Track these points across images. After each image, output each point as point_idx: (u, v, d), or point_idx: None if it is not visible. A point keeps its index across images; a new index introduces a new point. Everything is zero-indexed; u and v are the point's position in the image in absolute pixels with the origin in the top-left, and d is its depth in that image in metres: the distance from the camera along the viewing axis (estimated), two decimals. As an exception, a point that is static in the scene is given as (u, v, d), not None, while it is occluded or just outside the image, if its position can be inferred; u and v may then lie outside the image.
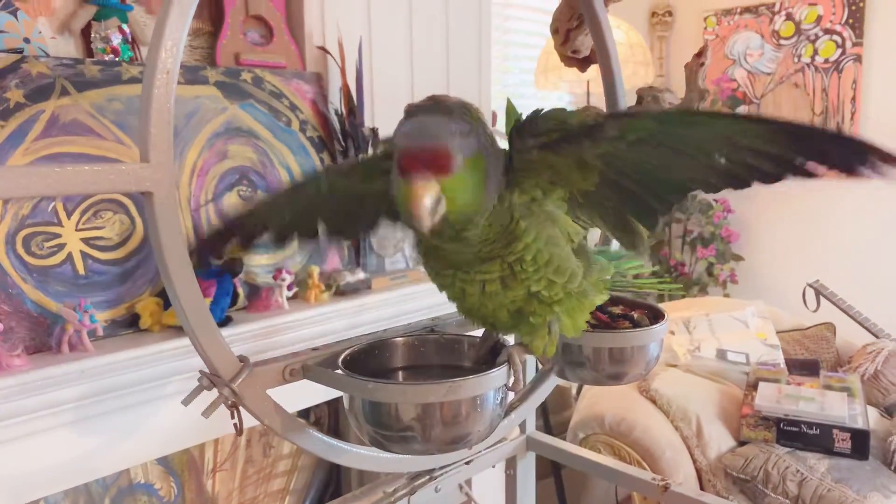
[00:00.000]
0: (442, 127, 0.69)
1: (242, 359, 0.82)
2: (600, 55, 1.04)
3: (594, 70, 2.87)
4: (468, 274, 0.79)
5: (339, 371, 0.79)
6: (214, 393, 0.81)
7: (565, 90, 3.04)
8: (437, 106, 0.72)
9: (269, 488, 2.12)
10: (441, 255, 0.79)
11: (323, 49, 1.85)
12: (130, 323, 1.44)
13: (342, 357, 0.83)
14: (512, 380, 0.78)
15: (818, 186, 3.42)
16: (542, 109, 0.77)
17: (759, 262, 3.60)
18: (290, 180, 1.74)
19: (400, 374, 0.88)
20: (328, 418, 2.30)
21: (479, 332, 0.90)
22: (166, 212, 0.72)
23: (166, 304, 1.46)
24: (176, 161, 1.54)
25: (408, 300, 1.86)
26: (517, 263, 0.76)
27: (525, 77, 3.10)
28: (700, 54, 0.97)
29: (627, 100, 1.14)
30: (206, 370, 0.81)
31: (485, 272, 0.78)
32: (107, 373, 1.33)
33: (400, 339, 0.90)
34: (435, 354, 0.89)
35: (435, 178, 0.68)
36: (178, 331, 1.43)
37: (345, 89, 1.81)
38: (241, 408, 0.82)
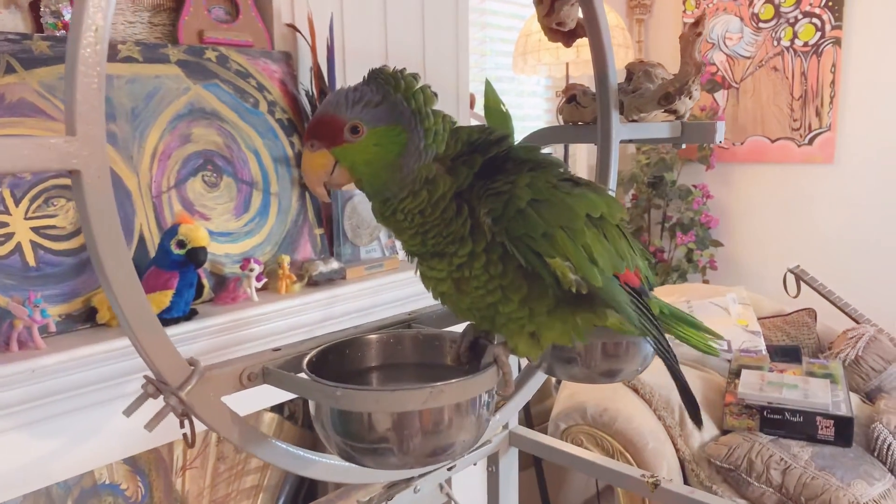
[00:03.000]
0: (342, 97, 0.68)
1: (192, 362, 0.75)
2: (590, 28, 0.97)
3: (573, 52, 2.81)
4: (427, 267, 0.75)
5: (304, 375, 0.70)
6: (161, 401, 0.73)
7: (544, 74, 2.97)
8: (367, 77, 0.71)
9: (242, 485, 2.04)
10: (403, 241, 0.75)
11: (292, 27, 1.76)
12: (87, 318, 1.34)
13: (308, 358, 0.75)
14: (501, 383, 0.71)
15: (798, 172, 3.41)
16: (512, 150, 0.73)
17: (738, 248, 3.58)
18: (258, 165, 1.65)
19: (374, 375, 0.80)
20: (303, 413, 2.23)
21: (461, 328, 0.82)
22: (97, 194, 0.61)
23: (126, 297, 1.37)
24: (135, 144, 1.45)
25: (384, 290, 1.79)
26: (466, 268, 0.70)
27: (502, 60, 3.03)
28: (697, 23, 0.90)
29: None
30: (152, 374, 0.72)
31: (434, 269, 0.73)
32: (60, 371, 1.24)
33: (374, 335, 0.82)
34: (412, 352, 0.80)
35: (325, 147, 0.68)
36: (139, 325, 1.34)
37: (315, 69, 1.72)
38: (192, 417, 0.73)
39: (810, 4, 3.27)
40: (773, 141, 3.45)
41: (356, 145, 0.67)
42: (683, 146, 1.12)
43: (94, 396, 1.30)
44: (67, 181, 1.34)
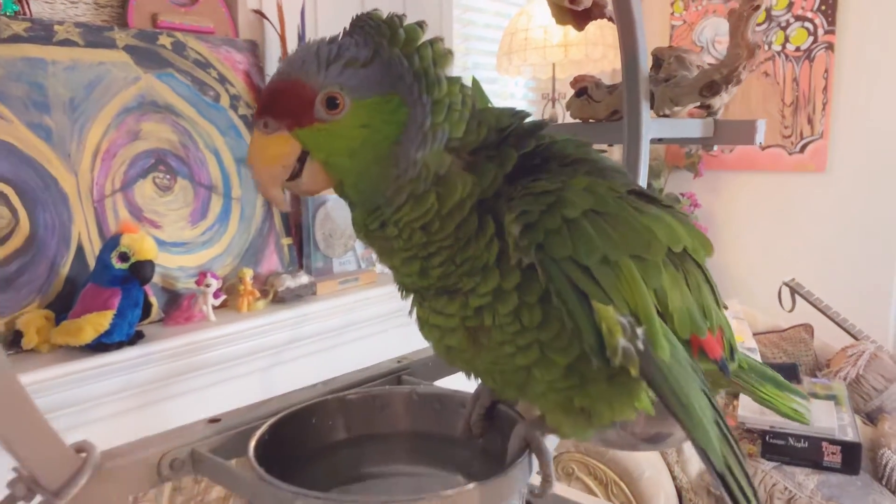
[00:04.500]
0: (310, 53, 0.48)
1: (83, 448, 0.52)
2: (619, 8, 0.80)
3: (561, 52, 2.66)
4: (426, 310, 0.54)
5: (251, 460, 0.48)
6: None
7: (529, 75, 2.81)
8: (350, 26, 0.51)
9: (200, 521, 1.83)
10: (394, 268, 0.54)
11: (259, 13, 1.58)
12: (12, 342, 1.15)
13: (257, 437, 0.53)
14: (537, 479, 0.50)
15: (789, 181, 3.30)
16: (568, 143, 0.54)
17: (728, 259, 3.45)
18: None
19: (350, 457, 0.58)
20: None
21: (472, 383, 0.59)
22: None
23: (59, 318, 1.17)
24: (74, 140, 1.25)
25: (360, 308, 1.61)
26: (488, 313, 0.49)
27: (484, 59, 2.86)
28: (754, -5, 0.74)
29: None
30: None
31: (439, 313, 0.52)
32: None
33: (352, 395, 0.59)
34: (405, 418, 0.59)
35: (286, 129, 0.48)
36: (73, 352, 1.15)
37: (284, 59, 1.54)
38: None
39: (802, 8, 3.16)
40: (763, 148, 3.33)
41: (334, 126, 0.47)
42: (715, 148, 0.97)
43: (17, 436, 1.10)
44: (-11, 182, 1.15)
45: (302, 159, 0.49)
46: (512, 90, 3.15)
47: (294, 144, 0.48)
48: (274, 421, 0.53)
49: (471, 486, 0.43)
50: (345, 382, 0.61)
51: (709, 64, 0.87)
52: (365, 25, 0.49)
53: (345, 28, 0.51)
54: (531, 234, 0.46)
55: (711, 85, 0.81)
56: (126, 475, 0.51)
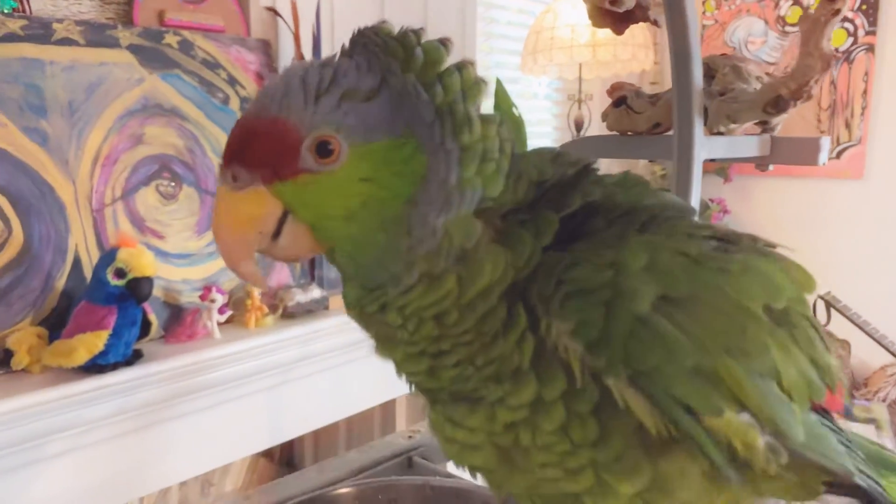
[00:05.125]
0: (296, 79, 0.36)
1: None
2: (671, 10, 0.69)
3: (589, 52, 2.56)
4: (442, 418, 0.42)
5: None
6: None
7: (554, 75, 2.71)
8: (350, 44, 0.40)
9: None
10: (393, 360, 0.42)
11: (272, 10, 1.49)
12: (1, 361, 1.07)
13: None
14: None
15: (825, 188, 3.17)
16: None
17: (757, 269, 3.34)
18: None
19: None
20: (280, 449, 1.97)
21: None
22: None
23: (52, 337, 1.10)
24: (72, 145, 1.18)
25: (374, 322, 1.52)
26: (523, 429, 0.39)
27: (506, 58, 2.76)
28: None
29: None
30: None
31: (458, 425, 0.41)
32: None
33: (350, 488, 0.47)
34: None
35: (264, 183, 0.36)
36: (66, 373, 1.07)
37: (298, 60, 1.45)
38: None
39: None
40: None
41: (326, 179, 0.36)
42: (771, 168, 0.87)
43: (5, 462, 1.03)
44: (-21, 191, 1.07)
45: (282, 218, 0.38)
46: (535, 90, 3.05)
47: (273, 203, 0.37)
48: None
49: None
50: (343, 469, 0.51)
51: (767, 74, 0.77)
52: (369, 43, 0.38)
53: (343, 46, 0.39)
54: (600, 352, 0.35)
55: (777, 101, 0.70)
56: None
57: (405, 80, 0.37)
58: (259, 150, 0.36)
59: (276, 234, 0.38)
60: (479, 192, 0.38)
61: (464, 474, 0.45)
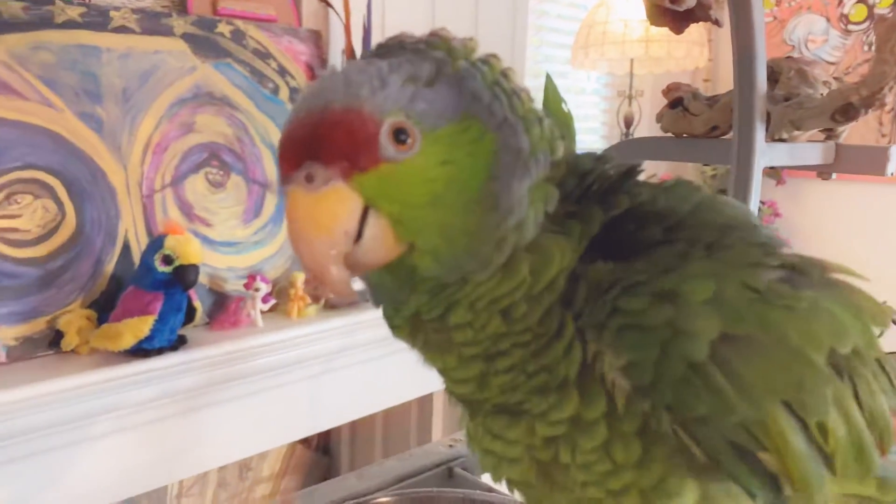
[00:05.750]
0: (360, 73, 0.35)
1: None
2: (736, 10, 0.66)
3: (641, 47, 2.50)
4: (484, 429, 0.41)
5: None
6: None
7: (605, 70, 2.66)
8: (384, 46, 0.39)
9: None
10: (444, 370, 0.41)
11: (324, 1, 1.49)
12: (51, 342, 1.10)
13: None
14: None
15: (884, 193, 3.06)
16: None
17: (808, 274, 3.24)
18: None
19: None
20: (318, 437, 1.98)
21: None
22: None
23: (101, 319, 1.12)
24: (125, 132, 1.20)
25: (415, 316, 1.52)
26: (564, 445, 0.38)
27: (554, 52, 2.73)
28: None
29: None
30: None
31: (497, 437, 0.40)
32: (13, 412, 1.00)
33: (392, 497, 0.46)
34: None
35: (343, 178, 0.34)
36: (113, 356, 1.09)
37: (348, 51, 1.45)
38: None
39: (909, 5, 2.90)
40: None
41: (407, 167, 0.34)
42: (834, 176, 0.83)
43: (51, 440, 1.06)
44: (35, 174, 1.10)
45: (363, 216, 0.36)
46: (583, 85, 3.00)
47: (355, 199, 0.35)
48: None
49: None
50: (383, 477, 0.51)
51: (835, 79, 0.74)
52: (405, 43, 0.38)
53: (372, 49, 0.39)
54: (652, 396, 0.34)
55: (847, 109, 0.67)
56: None
57: (457, 66, 0.36)
58: (336, 144, 0.34)
59: (358, 233, 0.36)
60: (548, 155, 0.38)
61: (504, 489, 0.44)
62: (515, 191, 0.36)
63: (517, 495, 0.43)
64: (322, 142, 0.34)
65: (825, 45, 3.16)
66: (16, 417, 1.00)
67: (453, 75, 0.36)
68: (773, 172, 3.21)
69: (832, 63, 3.14)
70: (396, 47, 0.38)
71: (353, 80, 0.35)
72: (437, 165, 0.35)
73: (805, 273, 0.39)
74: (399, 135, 0.34)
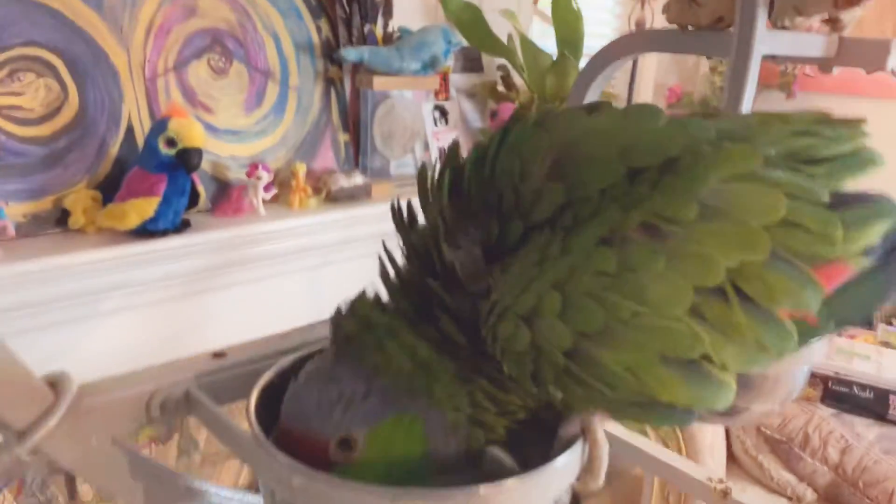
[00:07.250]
0: (318, 408, 0.41)
1: (56, 381, 0.44)
2: None
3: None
4: None
5: (250, 417, 0.41)
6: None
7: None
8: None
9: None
10: None
11: None
12: (58, 220, 1.13)
13: (262, 384, 0.44)
14: (583, 470, 0.42)
15: None
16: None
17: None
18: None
19: None
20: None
21: None
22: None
23: (105, 201, 1.14)
24: (126, 12, 1.18)
25: (414, 213, 1.54)
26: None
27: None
28: None
29: None
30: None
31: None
32: (23, 284, 1.04)
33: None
34: None
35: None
36: (119, 235, 1.12)
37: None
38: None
39: (942, -88, 2.77)
40: (869, 72, 3.03)
41: (357, 465, 0.40)
42: (835, 71, 0.83)
43: (60, 314, 1.10)
44: (37, 52, 1.10)
45: None
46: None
47: None
48: (286, 364, 0.46)
49: (510, 479, 0.36)
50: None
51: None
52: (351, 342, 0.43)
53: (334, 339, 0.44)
54: (543, 389, 0.39)
55: (851, -8, 0.66)
56: (109, 415, 0.45)
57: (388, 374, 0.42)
58: (306, 451, 0.40)
59: None
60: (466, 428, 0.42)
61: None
62: (451, 447, 0.42)
63: None
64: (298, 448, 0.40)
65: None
66: (28, 288, 1.04)
67: (383, 383, 0.41)
68: (785, 85, 3.14)
69: (855, -28, 3.03)
70: (344, 342, 0.44)
71: (309, 414, 0.41)
72: (380, 454, 0.41)
73: (674, 221, 0.36)
74: (342, 445, 0.40)
